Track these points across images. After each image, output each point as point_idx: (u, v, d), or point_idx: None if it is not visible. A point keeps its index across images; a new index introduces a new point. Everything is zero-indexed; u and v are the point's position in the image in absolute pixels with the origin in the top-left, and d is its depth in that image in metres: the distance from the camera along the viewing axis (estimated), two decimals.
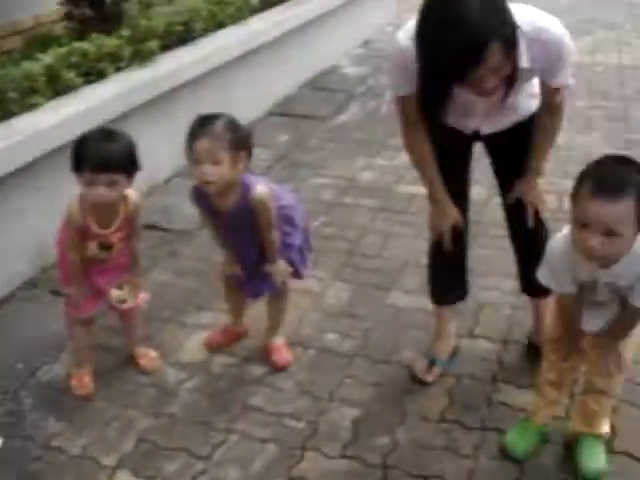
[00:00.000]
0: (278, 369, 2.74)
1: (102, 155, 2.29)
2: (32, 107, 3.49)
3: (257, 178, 2.51)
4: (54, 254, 2.66)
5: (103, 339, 2.86)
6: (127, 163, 2.34)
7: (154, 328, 2.99)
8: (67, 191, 2.47)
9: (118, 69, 4.09)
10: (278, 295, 2.74)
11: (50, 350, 2.87)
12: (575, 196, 1.88)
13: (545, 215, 2.54)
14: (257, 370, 2.76)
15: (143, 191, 3.44)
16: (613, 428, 2.42)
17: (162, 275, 3.41)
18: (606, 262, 1.92)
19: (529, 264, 2.38)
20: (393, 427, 2.47)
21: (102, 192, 2.31)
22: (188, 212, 3.18)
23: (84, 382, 2.66)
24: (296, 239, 2.62)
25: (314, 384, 2.67)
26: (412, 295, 3.15)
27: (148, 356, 2.79)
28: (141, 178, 2.50)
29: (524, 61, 2.00)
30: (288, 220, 2.58)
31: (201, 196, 2.48)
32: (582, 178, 1.88)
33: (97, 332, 2.77)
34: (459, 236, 2.50)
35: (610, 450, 2.35)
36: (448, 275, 2.71)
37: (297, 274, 2.70)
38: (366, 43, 7.46)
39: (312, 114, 5.54)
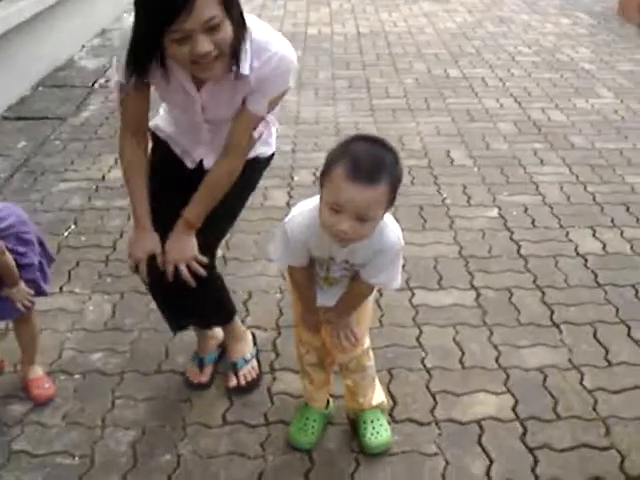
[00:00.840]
0: (41, 404, 2.48)
1: None
2: None
3: None
4: None
5: None
6: None
7: None
8: None
9: None
10: (24, 320, 2.46)
11: None
12: (325, 177, 1.75)
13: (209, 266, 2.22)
14: (18, 409, 2.47)
15: None
16: (392, 397, 2.45)
17: None
18: (350, 242, 1.84)
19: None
20: (174, 442, 2.32)
21: None
22: None
23: None
24: (34, 257, 2.36)
25: (83, 413, 2.44)
26: None
27: None
28: None
29: (245, 66, 1.93)
30: (19, 239, 2.31)
31: None
32: (333, 159, 1.73)
33: None
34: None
35: (393, 420, 2.36)
36: (168, 304, 2.47)
37: (40, 292, 2.44)
38: (103, 32, 7.10)
39: (51, 114, 5.16)
